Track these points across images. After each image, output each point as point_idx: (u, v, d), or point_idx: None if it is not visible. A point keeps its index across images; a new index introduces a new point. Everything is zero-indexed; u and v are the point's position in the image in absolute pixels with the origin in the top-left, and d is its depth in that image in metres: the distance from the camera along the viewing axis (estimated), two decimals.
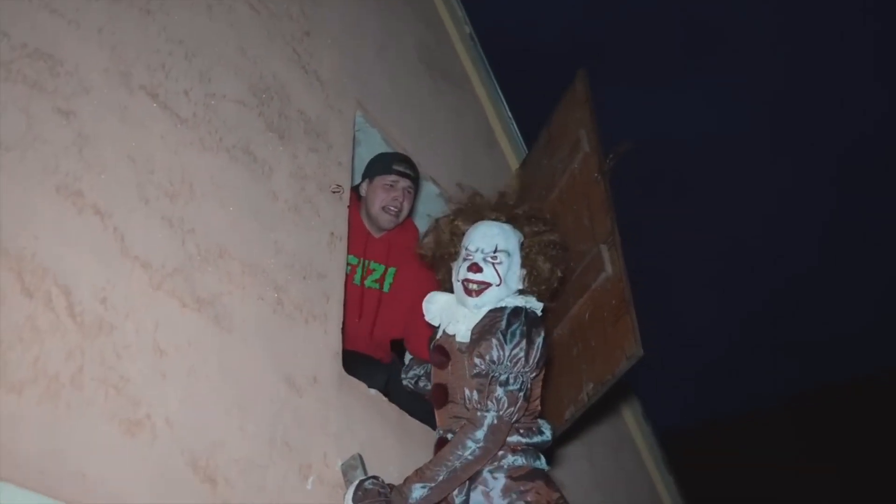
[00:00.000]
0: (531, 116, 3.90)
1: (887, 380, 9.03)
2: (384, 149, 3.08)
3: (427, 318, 2.35)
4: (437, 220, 2.43)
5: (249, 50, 2.49)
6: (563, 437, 3.15)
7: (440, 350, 2.24)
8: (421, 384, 2.58)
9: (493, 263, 2.20)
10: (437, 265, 2.42)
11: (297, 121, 2.56)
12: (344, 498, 2.08)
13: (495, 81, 4.04)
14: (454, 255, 2.33)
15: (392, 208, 2.87)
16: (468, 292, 2.20)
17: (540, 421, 2.22)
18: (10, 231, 1.63)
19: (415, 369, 2.62)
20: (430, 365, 2.41)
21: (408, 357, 2.84)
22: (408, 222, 3.05)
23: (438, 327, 2.32)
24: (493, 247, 2.22)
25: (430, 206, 3.18)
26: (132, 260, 1.86)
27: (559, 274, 2.31)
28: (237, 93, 2.37)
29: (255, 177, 2.31)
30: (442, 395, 2.20)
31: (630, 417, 4.39)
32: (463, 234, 2.31)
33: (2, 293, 1.57)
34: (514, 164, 3.94)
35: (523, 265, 2.26)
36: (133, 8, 2.14)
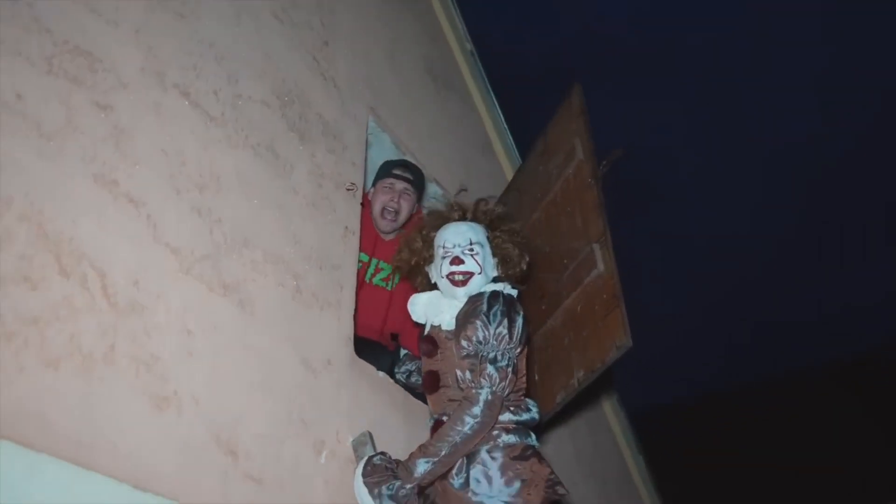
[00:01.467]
0: (523, 126, 3.85)
1: (842, 368, 9.05)
2: (394, 152, 3.01)
3: (414, 318, 2.32)
4: (407, 235, 2.43)
5: (273, 56, 2.40)
6: (549, 421, 3.10)
7: (429, 340, 2.21)
8: (412, 379, 2.53)
9: (471, 255, 2.21)
10: (412, 274, 2.40)
11: (315, 123, 2.48)
12: (354, 472, 2.01)
13: (492, 94, 3.99)
14: (429, 259, 2.33)
15: (389, 208, 2.79)
16: (456, 284, 2.19)
17: (527, 400, 2.19)
18: (49, 215, 1.54)
19: (407, 365, 2.58)
20: (420, 362, 2.37)
21: (402, 352, 2.75)
22: (420, 222, 2.96)
23: (425, 324, 2.29)
24: (467, 240, 2.24)
25: (436, 206, 3.09)
26: (163, 246, 1.78)
27: (527, 258, 2.34)
28: (262, 95, 2.29)
29: (277, 173, 2.23)
30: (434, 381, 2.16)
31: (607, 403, 4.34)
32: (433, 239, 2.31)
33: (41, 274, 1.49)
34: (507, 167, 3.89)
35: (494, 254, 2.28)
36: (168, 12, 2.05)
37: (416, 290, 2.41)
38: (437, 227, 2.32)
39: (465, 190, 2.85)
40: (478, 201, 2.40)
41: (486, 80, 3.98)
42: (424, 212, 2.52)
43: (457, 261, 2.19)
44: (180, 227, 1.83)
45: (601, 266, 2.35)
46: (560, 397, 2.44)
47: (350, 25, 2.91)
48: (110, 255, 1.64)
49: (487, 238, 2.29)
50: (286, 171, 2.27)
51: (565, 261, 2.54)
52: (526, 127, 3.61)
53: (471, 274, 2.18)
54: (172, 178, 1.87)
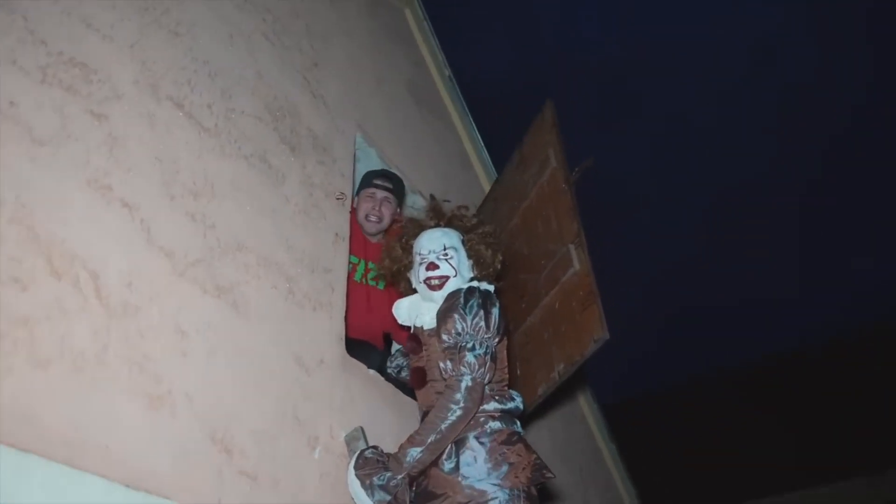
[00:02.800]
0: (498, 142, 3.77)
1: (808, 354, 8.98)
2: (380, 166, 2.90)
3: (399, 322, 2.24)
4: (387, 244, 2.35)
5: (265, 74, 2.28)
6: (528, 413, 2.98)
7: (413, 339, 2.11)
8: (403, 374, 2.41)
9: (445, 259, 2.13)
10: (396, 280, 2.32)
11: (306, 136, 2.36)
12: (347, 466, 1.88)
13: (469, 115, 3.91)
14: (409, 266, 2.25)
15: (372, 216, 2.69)
16: (432, 288, 2.10)
17: (511, 391, 2.08)
18: (41, 217, 1.40)
19: (398, 360, 2.45)
20: (408, 358, 2.27)
21: (394, 348, 2.63)
22: (400, 230, 2.84)
23: (411, 327, 2.19)
24: (441, 246, 2.16)
25: (419, 215, 2.98)
26: (157, 249, 1.63)
27: (500, 256, 2.25)
28: (254, 109, 2.16)
29: (269, 182, 2.10)
30: (421, 377, 2.06)
31: (580, 396, 4.23)
32: (412, 247, 2.24)
33: (31, 275, 1.34)
34: (483, 179, 3.80)
35: (469, 256, 2.19)
36: (162, 29, 1.92)
37: (401, 294, 2.31)
38: (415, 235, 2.25)
39: (448, 201, 2.75)
40: (453, 209, 2.34)
41: (463, 102, 3.90)
42: (406, 216, 2.42)
43: (432, 266, 2.12)
44: (174, 232, 1.70)
45: (577, 265, 2.24)
46: (542, 389, 2.32)
47: (339, 51, 2.80)
48: (103, 258, 1.49)
49: (462, 242, 2.21)
50: (278, 180, 2.14)
51: (543, 261, 2.44)
52: (500, 143, 3.53)
53: (446, 277, 2.10)
54: (166, 185, 1.73)
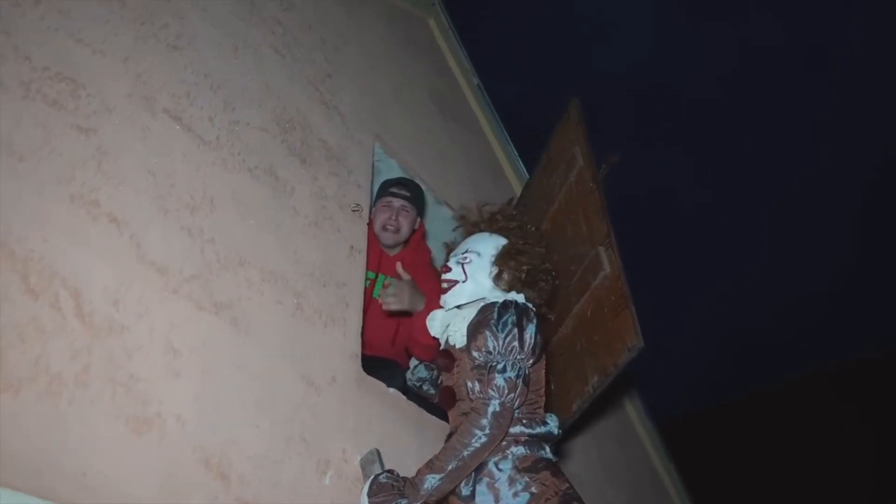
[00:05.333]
0: (535, 151, 3.60)
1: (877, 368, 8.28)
2: (400, 175, 2.78)
3: (432, 334, 2.08)
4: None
5: (273, 86, 2.21)
6: (573, 431, 2.76)
7: (445, 354, 1.96)
8: (425, 388, 2.20)
9: (461, 263, 1.98)
10: None
11: (318, 148, 2.27)
12: (361, 492, 1.73)
13: (501, 124, 3.76)
14: None
15: (389, 226, 2.56)
16: (442, 291, 1.98)
17: (545, 413, 1.89)
18: (18, 234, 1.34)
19: (420, 372, 2.28)
20: (434, 371, 2.12)
21: (413, 362, 2.46)
22: (420, 242, 2.71)
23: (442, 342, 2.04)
24: (464, 249, 2.03)
25: (444, 228, 2.85)
26: (148, 265, 1.55)
27: (522, 275, 2.00)
28: (260, 121, 2.09)
29: (276, 194, 2.01)
30: (450, 396, 1.90)
31: (632, 411, 3.95)
32: None
33: (5, 294, 1.27)
34: (518, 189, 3.63)
35: (495, 263, 1.99)
36: (160, 43, 1.87)
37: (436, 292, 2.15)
38: (467, 234, 2.14)
39: (512, 202, 2.58)
40: (493, 210, 2.19)
41: (494, 110, 3.75)
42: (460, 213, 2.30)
43: (445, 269, 1.99)
44: (167, 247, 1.62)
45: (607, 268, 2.06)
46: (577, 405, 2.13)
47: (354, 60, 2.73)
48: (87, 275, 1.42)
49: (501, 248, 2.02)
50: (286, 192, 2.05)
51: (573, 267, 2.26)
52: (537, 151, 3.38)
53: (454, 282, 1.96)
54: (160, 199, 1.66)
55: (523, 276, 1.96)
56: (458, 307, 1.99)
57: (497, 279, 1.97)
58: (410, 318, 2.43)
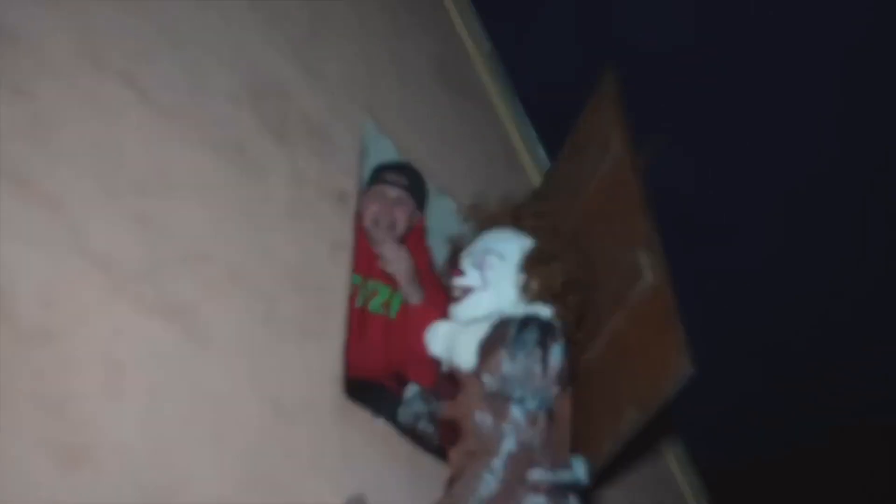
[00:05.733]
0: (558, 136, 3.58)
1: None
2: (397, 159, 2.76)
3: (433, 352, 2.06)
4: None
5: (245, 46, 2.20)
6: (601, 480, 2.73)
7: (449, 379, 1.93)
8: (420, 425, 2.18)
9: (479, 267, 1.97)
10: None
11: (297, 122, 2.26)
12: None
13: (518, 100, 3.73)
14: None
15: (382, 221, 2.52)
16: (452, 299, 1.96)
17: (572, 456, 1.86)
18: None
19: (415, 405, 2.24)
20: (433, 403, 2.12)
21: (408, 392, 2.43)
22: (419, 242, 2.69)
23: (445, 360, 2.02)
24: (483, 248, 2.00)
25: (445, 223, 2.82)
26: (89, 259, 1.54)
27: (560, 281, 2.02)
28: (229, 88, 2.07)
29: (245, 177, 1.99)
30: (452, 431, 1.87)
31: (672, 460, 3.91)
32: None
33: None
34: (537, 181, 3.61)
35: (523, 271, 1.99)
36: None
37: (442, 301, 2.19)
38: (482, 230, 2.13)
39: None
40: (531, 206, 2.22)
41: (509, 84, 3.73)
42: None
43: (457, 272, 1.97)
44: (113, 237, 1.60)
45: (649, 276, 2.03)
46: (608, 446, 2.09)
47: (344, 19, 2.71)
48: (13, 270, 1.40)
49: (528, 251, 2.04)
50: (258, 174, 2.03)
51: (605, 275, 2.24)
52: (559, 135, 3.35)
53: (469, 289, 1.94)
54: (106, 179, 1.64)
55: (559, 288, 1.95)
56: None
57: (524, 290, 1.95)
58: (402, 328, 2.40)
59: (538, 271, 1.96)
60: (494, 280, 1.94)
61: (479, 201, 2.28)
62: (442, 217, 2.96)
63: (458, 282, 1.95)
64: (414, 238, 2.63)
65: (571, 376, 1.88)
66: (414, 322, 2.20)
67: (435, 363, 2.12)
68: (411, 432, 2.17)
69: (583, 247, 2.18)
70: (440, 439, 1.93)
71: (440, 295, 2.33)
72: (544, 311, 1.91)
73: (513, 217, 2.15)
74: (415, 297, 2.20)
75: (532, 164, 3.68)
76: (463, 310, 1.93)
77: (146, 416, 1.50)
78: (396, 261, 2.20)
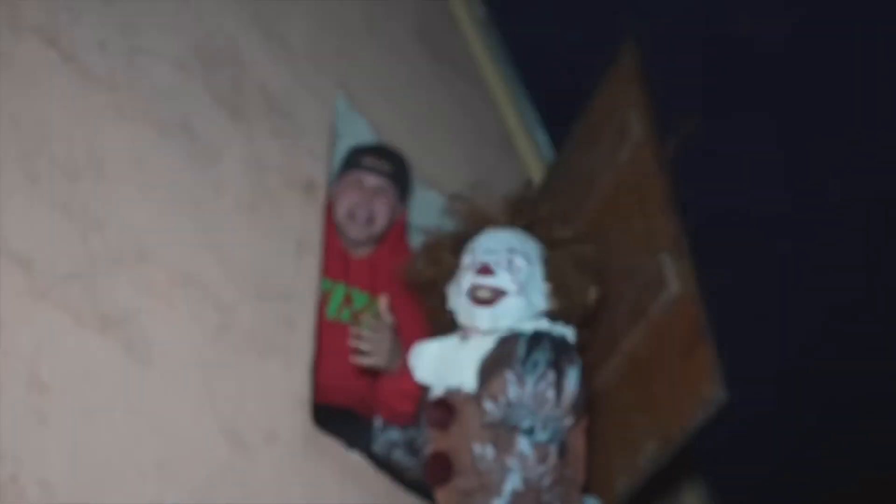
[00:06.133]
0: (563, 118, 3.62)
1: None
2: (373, 142, 2.79)
3: (418, 378, 2.10)
4: (431, 235, 2.31)
5: (194, 3, 2.21)
6: None
7: (441, 406, 1.95)
8: (395, 455, 2.22)
9: (508, 268, 2.00)
10: (428, 291, 2.23)
11: (255, 96, 2.27)
12: None
13: (516, 77, 3.78)
14: (454, 276, 2.13)
15: (359, 214, 2.54)
16: (478, 301, 1.95)
17: (585, 497, 1.92)
18: None
19: (391, 433, 2.27)
20: (412, 430, 2.16)
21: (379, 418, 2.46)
22: (400, 240, 2.71)
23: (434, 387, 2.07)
24: (505, 247, 2.03)
25: (426, 218, 2.84)
26: (5, 257, 1.53)
27: (595, 294, 2.13)
28: (174, 52, 2.08)
29: (194, 160, 2.01)
30: (443, 467, 1.90)
31: (693, 500, 3.99)
32: (464, 249, 2.13)
33: None
34: (536, 169, 3.66)
35: (548, 278, 2.07)
36: None
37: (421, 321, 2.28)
38: (475, 233, 2.15)
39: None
40: (541, 209, 2.28)
41: (505, 57, 3.78)
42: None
43: (486, 270, 1.98)
44: (35, 231, 1.60)
45: (675, 286, 2.11)
46: (622, 484, 2.18)
47: None
48: None
49: (542, 258, 2.11)
50: (209, 158, 2.05)
51: (622, 283, 2.31)
52: (566, 118, 3.40)
53: (501, 292, 1.95)
54: (25, 160, 1.64)
55: (591, 302, 2.09)
56: (463, 338, 1.99)
57: (552, 300, 2.04)
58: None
59: (574, 280, 2.05)
60: (524, 284, 1.98)
61: (471, 195, 2.31)
62: (424, 212, 2.99)
63: (489, 281, 1.96)
64: (394, 236, 2.66)
65: (588, 404, 1.92)
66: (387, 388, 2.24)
67: (411, 409, 2.17)
68: (385, 464, 2.20)
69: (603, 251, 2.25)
70: (428, 477, 1.94)
71: (420, 313, 2.40)
72: (557, 327, 1.93)
73: (515, 216, 2.18)
74: (395, 364, 2.22)
75: (530, 151, 3.73)
76: (495, 312, 1.94)
77: (75, 446, 1.50)
78: (374, 356, 2.19)
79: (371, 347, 2.17)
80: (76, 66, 1.82)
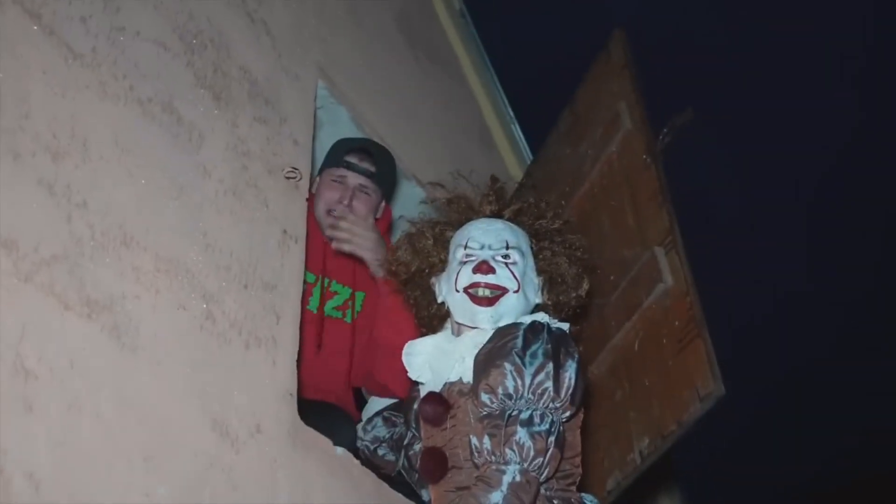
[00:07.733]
0: (536, 111, 3.64)
1: None
2: (353, 132, 2.78)
3: (412, 376, 2.09)
4: (412, 224, 2.25)
5: None
6: None
7: (435, 400, 1.93)
8: (381, 452, 2.23)
9: (505, 264, 1.98)
10: (410, 283, 2.19)
11: (238, 80, 2.25)
12: None
13: (492, 69, 3.82)
14: (439, 266, 2.12)
15: (337, 212, 2.53)
16: (478, 301, 1.94)
17: (583, 495, 1.91)
18: None
19: (377, 429, 2.26)
20: (398, 429, 2.17)
21: (367, 411, 2.45)
22: (383, 235, 2.70)
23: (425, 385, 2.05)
24: (501, 242, 2.01)
25: (407, 211, 2.85)
26: None
27: (586, 285, 2.11)
28: (157, 32, 2.05)
29: (178, 143, 1.98)
30: (438, 463, 1.89)
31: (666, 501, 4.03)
32: (449, 239, 2.12)
33: None
34: (511, 162, 3.71)
35: (540, 272, 2.06)
36: None
37: (406, 313, 2.22)
38: (459, 223, 2.14)
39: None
40: (528, 198, 2.27)
41: (482, 50, 3.82)
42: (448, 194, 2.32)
43: (485, 267, 1.96)
44: (19, 211, 1.55)
45: (669, 278, 2.13)
46: (613, 482, 2.19)
47: None
48: None
49: (532, 248, 2.10)
50: (192, 141, 2.02)
51: (612, 277, 2.33)
52: (541, 113, 3.41)
53: (503, 290, 1.94)
54: (8, 135, 1.59)
55: (583, 292, 2.07)
56: (457, 332, 1.98)
57: (543, 295, 2.04)
58: (368, 323, 2.41)
59: (568, 273, 2.04)
60: (522, 280, 1.97)
61: (452, 186, 2.30)
62: (403, 204, 2.99)
63: (489, 279, 1.95)
64: (382, 231, 2.64)
65: (586, 397, 1.92)
66: (385, 308, 2.23)
67: (400, 367, 2.14)
68: (368, 461, 2.18)
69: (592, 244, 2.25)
70: (423, 473, 1.92)
71: (407, 312, 2.36)
72: (554, 321, 1.94)
73: (501, 206, 2.18)
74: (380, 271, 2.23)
75: (507, 144, 3.78)
76: (497, 311, 1.93)
77: (62, 436, 1.46)
78: (356, 241, 2.21)
79: (350, 236, 2.24)
80: (58, 42, 1.77)
